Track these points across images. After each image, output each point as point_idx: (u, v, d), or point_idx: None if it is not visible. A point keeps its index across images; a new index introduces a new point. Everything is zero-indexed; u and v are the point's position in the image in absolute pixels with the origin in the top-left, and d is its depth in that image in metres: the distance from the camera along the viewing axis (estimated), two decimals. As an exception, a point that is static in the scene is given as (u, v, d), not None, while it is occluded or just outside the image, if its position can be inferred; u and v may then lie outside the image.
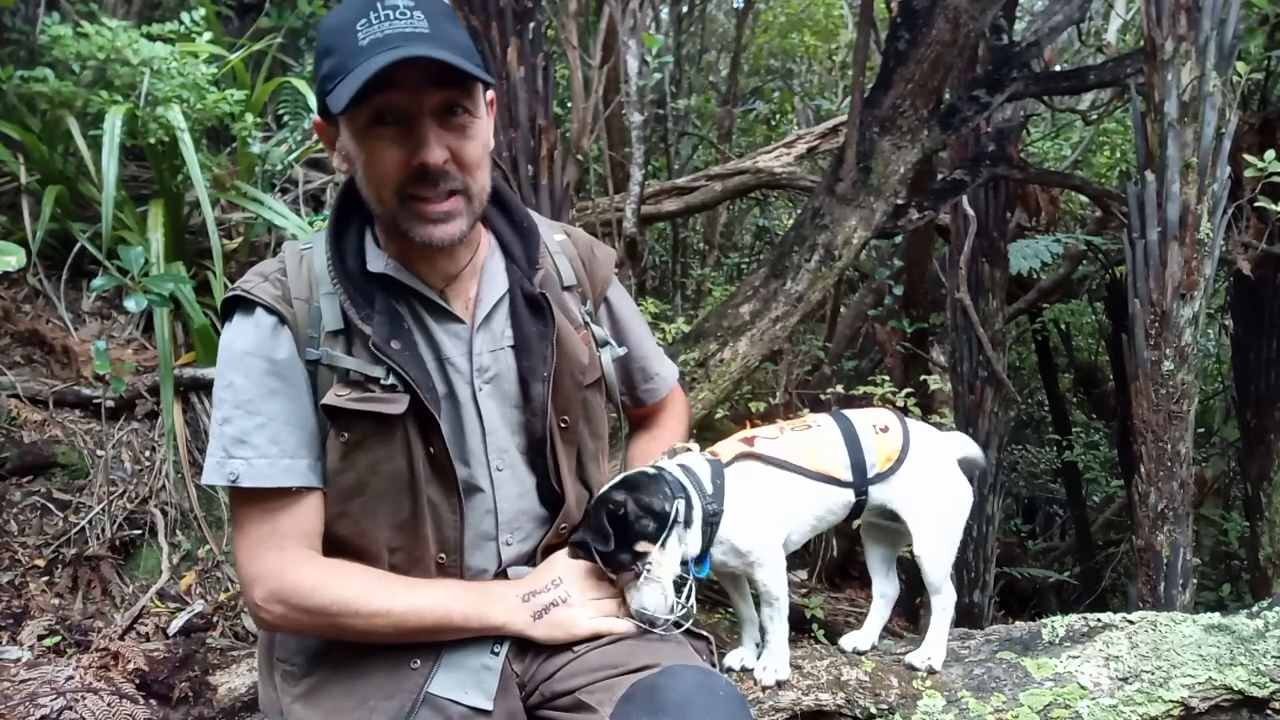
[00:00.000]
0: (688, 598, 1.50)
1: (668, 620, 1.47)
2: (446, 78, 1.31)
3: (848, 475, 1.61)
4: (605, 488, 1.52)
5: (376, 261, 1.46)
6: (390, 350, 1.39)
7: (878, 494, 1.64)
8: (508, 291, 1.54)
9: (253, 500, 1.40)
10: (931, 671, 1.72)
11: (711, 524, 1.52)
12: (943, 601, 1.71)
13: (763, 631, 1.67)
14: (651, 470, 1.54)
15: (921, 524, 1.66)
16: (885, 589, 1.81)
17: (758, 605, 1.71)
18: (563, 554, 1.50)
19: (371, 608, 1.39)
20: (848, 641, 1.80)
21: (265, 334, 1.41)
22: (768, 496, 1.57)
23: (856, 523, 1.75)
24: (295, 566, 1.40)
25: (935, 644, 1.74)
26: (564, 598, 1.45)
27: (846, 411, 1.70)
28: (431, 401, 1.41)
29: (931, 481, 1.66)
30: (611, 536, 1.44)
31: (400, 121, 1.33)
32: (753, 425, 1.75)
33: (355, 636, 1.43)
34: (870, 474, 1.61)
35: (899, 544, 1.83)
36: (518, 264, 1.56)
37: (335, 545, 1.46)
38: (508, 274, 1.56)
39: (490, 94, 1.50)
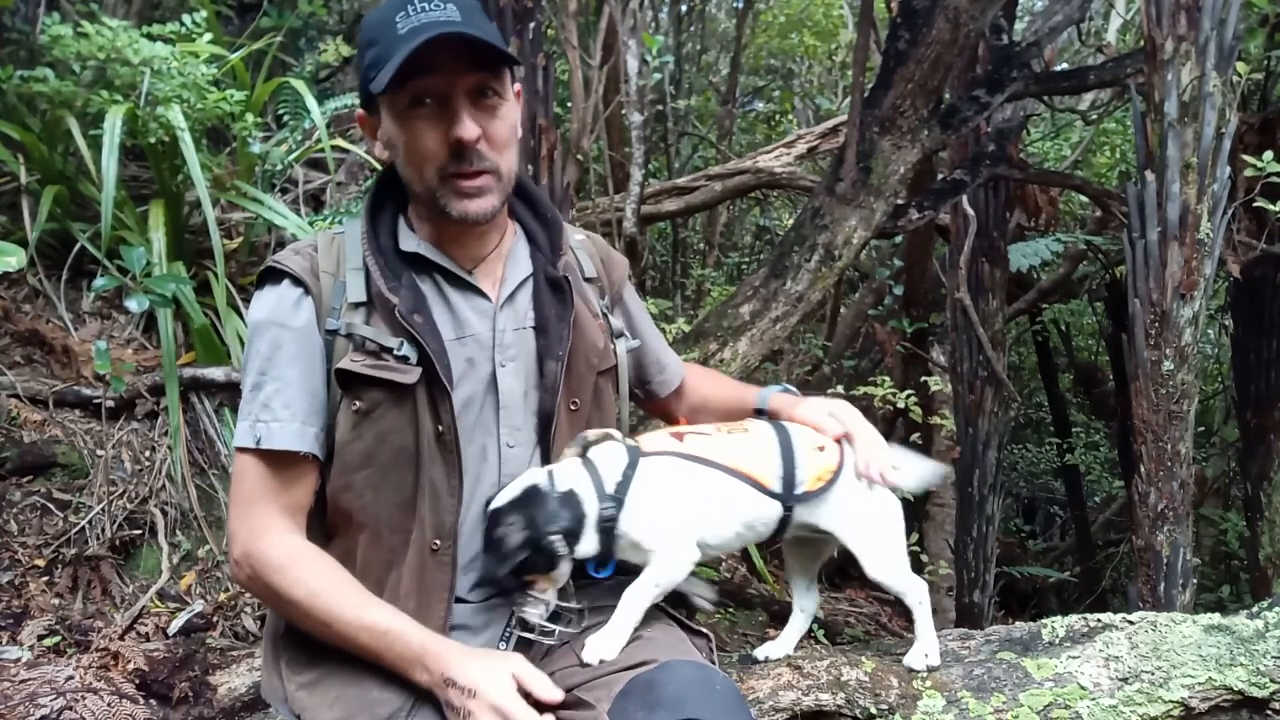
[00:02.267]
0: (568, 597, 1.49)
1: (552, 629, 1.46)
2: (479, 62, 1.42)
3: (777, 486, 1.54)
4: (498, 502, 1.47)
5: (409, 242, 1.54)
6: (413, 321, 1.44)
7: (804, 513, 1.58)
8: (531, 275, 1.60)
9: (259, 461, 1.45)
10: (931, 669, 1.71)
11: (607, 528, 1.46)
12: (915, 598, 1.67)
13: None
14: (544, 484, 1.46)
15: (862, 544, 1.61)
16: (805, 603, 1.76)
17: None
18: (498, 661, 1.40)
19: (318, 616, 1.41)
20: (760, 651, 1.77)
21: (288, 303, 1.48)
22: (681, 493, 1.51)
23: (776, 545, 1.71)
24: (269, 537, 1.44)
25: (927, 641, 1.72)
26: (467, 713, 1.34)
27: (789, 424, 1.65)
28: (446, 374, 1.44)
29: (862, 503, 1.61)
30: (502, 561, 1.42)
31: (438, 102, 1.43)
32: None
33: (301, 628, 1.48)
34: (798, 490, 1.55)
35: (820, 557, 1.77)
36: (542, 251, 1.63)
37: (340, 519, 1.49)
38: (532, 260, 1.62)
39: (517, 85, 1.57)
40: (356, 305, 1.47)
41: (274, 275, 1.50)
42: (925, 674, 1.71)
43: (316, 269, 1.50)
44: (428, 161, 1.45)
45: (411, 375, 1.43)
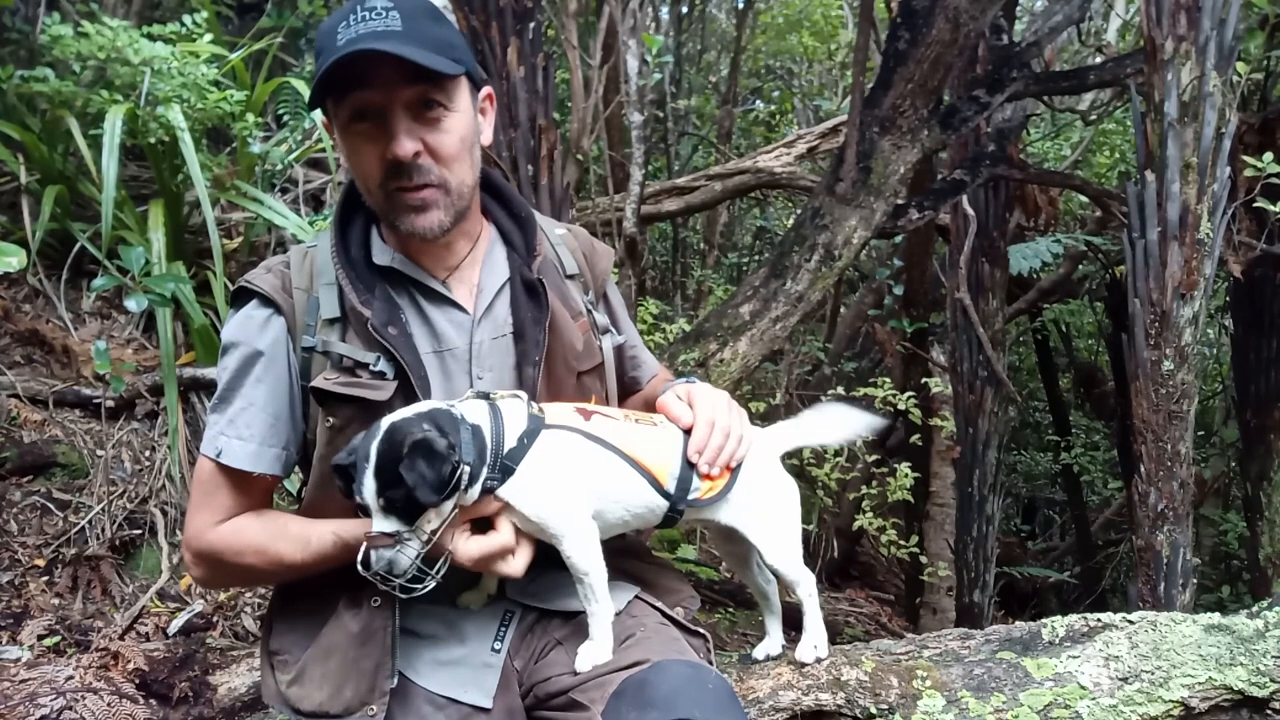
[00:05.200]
0: (438, 565, 1.36)
1: (411, 587, 1.34)
2: (418, 74, 1.37)
3: (671, 485, 1.51)
4: (401, 415, 1.33)
5: (383, 255, 1.52)
6: (387, 334, 1.43)
7: (697, 512, 1.57)
8: (508, 280, 1.58)
9: (217, 470, 1.48)
10: (819, 660, 1.68)
11: (489, 489, 1.39)
12: (805, 589, 1.65)
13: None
14: (455, 411, 1.36)
15: (759, 536, 1.59)
16: (763, 589, 1.75)
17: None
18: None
19: (278, 570, 1.49)
20: (759, 651, 1.75)
21: (256, 323, 1.48)
22: (577, 471, 1.45)
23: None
24: (212, 531, 1.48)
25: (816, 632, 1.69)
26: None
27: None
28: (422, 388, 1.44)
29: (758, 498, 1.59)
30: (435, 468, 1.26)
31: (375, 117, 1.40)
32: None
33: (281, 584, 1.57)
34: (691, 495, 1.52)
35: (744, 541, 1.71)
36: (518, 252, 1.60)
37: None
38: (509, 262, 1.60)
39: (487, 90, 1.54)
40: (331, 321, 1.46)
41: (244, 295, 1.51)
42: (815, 663, 1.69)
43: (289, 286, 1.49)
44: (370, 178, 1.44)
45: (385, 391, 1.42)
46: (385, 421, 1.32)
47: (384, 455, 1.28)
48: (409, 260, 1.52)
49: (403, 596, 1.35)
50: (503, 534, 1.40)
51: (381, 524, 1.30)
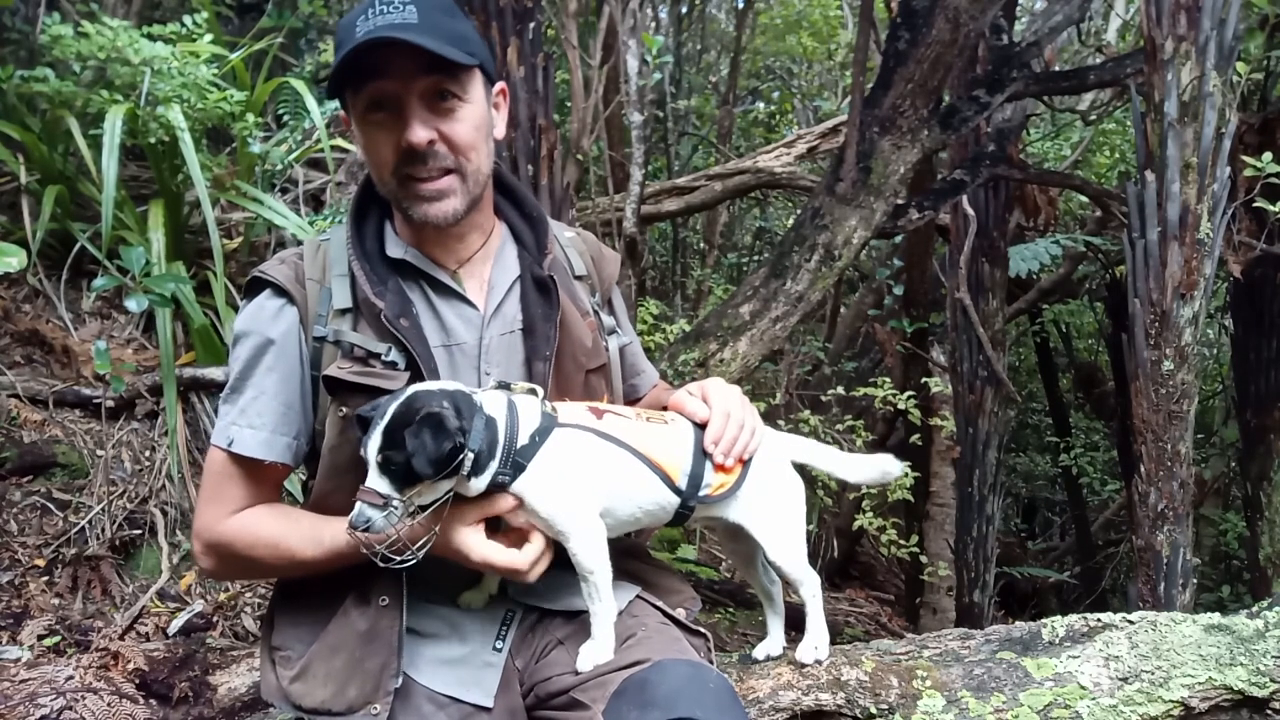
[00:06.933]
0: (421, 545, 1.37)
1: (390, 556, 1.36)
2: (433, 64, 1.40)
3: (683, 482, 1.52)
4: (429, 388, 1.37)
5: (396, 248, 1.54)
6: (400, 325, 1.45)
7: (707, 509, 1.58)
8: (519, 277, 1.60)
9: (229, 460, 1.49)
10: (819, 661, 1.69)
11: (500, 485, 1.40)
12: (809, 590, 1.66)
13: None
14: (476, 398, 1.39)
15: (765, 533, 1.61)
16: (767, 589, 1.75)
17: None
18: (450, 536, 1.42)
19: (288, 564, 1.49)
20: (759, 651, 1.76)
21: (269, 313, 1.50)
22: (588, 469, 1.46)
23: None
24: (223, 522, 1.49)
25: (818, 633, 1.70)
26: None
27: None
28: (432, 380, 1.44)
29: (766, 495, 1.61)
30: (439, 440, 1.29)
31: (391, 106, 1.43)
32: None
33: (286, 579, 1.58)
34: (702, 491, 1.54)
35: (751, 540, 1.72)
36: (529, 251, 1.63)
37: (329, 515, 1.50)
38: (519, 261, 1.62)
39: (500, 85, 1.58)
40: (343, 311, 1.48)
41: (257, 285, 1.53)
42: (814, 666, 1.69)
43: (302, 277, 1.51)
44: (384, 166, 1.46)
45: (398, 381, 1.43)
46: (411, 388, 1.36)
47: (397, 416, 1.32)
48: (422, 254, 1.55)
49: (380, 564, 1.36)
50: (535, 545, 1.42)
51: (375, 482, 1.33)
